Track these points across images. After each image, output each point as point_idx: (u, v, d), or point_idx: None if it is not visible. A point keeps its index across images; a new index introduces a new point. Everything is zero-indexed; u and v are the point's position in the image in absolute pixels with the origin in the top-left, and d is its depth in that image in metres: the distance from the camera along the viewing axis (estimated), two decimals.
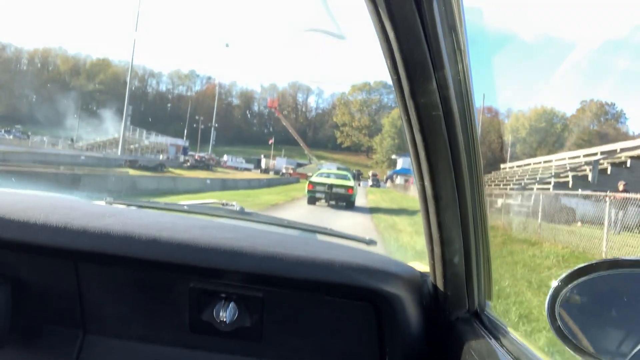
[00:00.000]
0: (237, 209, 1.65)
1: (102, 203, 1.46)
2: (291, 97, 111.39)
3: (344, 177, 16.85)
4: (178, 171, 28.84)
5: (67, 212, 0.97)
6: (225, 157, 56.12)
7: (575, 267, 0.66)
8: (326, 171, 19.69)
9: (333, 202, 15.32)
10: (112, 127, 42.54)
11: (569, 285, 0.66)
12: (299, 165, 52.60)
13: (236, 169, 50.78)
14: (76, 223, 0.92)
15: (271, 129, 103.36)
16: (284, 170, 51.20)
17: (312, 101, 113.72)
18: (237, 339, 1.00)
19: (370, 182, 50.96)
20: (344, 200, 15.38)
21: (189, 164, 36.06)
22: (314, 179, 16.19)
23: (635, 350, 0.60)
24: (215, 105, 58.18)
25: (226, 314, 0.95)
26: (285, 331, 1.01)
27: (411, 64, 0.61)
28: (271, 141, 70.20)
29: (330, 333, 1.00)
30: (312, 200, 15.52)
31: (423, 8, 0.57)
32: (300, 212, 12.63)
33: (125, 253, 0.91)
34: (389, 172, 68.34)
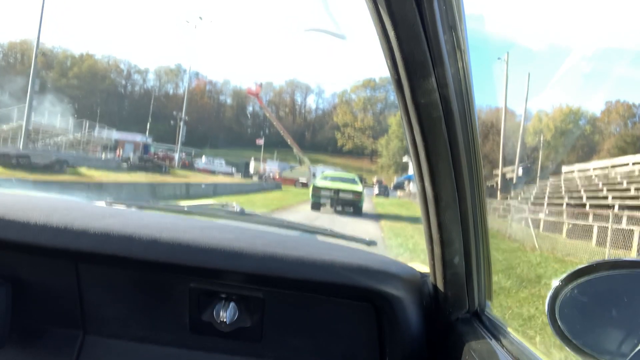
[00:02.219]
0: (237, 209, 1.63)
1: (103, 204, 1.44)
2: (289, 96, 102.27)
3: (352, 181, 15.96)
4: (95, 173, 19.61)
5: (67, 212, 0.97)
6: (204, 159, 47.75)
7: (576, 268, 0.66)
8: (332, 174, 18.49)
9: (339, 208, 14.71)
10: (65, 123, 33.45)
11: (570, 286, 0.66)
12: (293, 169, 43.12)
13: (212, 172, 41.91)
14: (77, 224, 0.92)
15: (267, 131, 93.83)
16: (267, 174, 42.19)
17: (311, 101, 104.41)
18: (237, 340, 1.00)
19: (376, 190, 40.39)
20: (351, 206, 14.73)
21: (128, 163, 26.76)
22: (319, 183, 15.46)
23: (635, 351, 0.60)
24: (185, 95, 48.36)
25: (226, 314, 0.94)
26: (285, 332, 1.00)
27: (411, 63, 0.61)
28: (260, 141, 60.37)
29: (331, 333, 1.00)
30: (317, 206, 14.81)
31: (423, 7, 0.56)
32: None
33: (125, 254, 0.91)
34: (397, 179, 58.02)
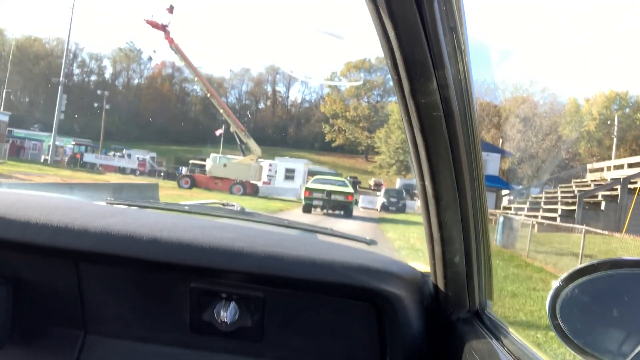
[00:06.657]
0: (238, 209, 1.63)
1: (103, 203, 1.44)
2: (269, 85, 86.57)
3: (342, 184, 16.28)
4: None
5: (67, 212, 0.97)
6: (124, 152, 33.58)
7: (576, 267, 0.66)
8: (322, 177, 18.50)
9: (330, 211, 15.01)
10: None
11: (570, 285, 0.66)
12: (229, 162, 26.90)
13: (118, 169, 30.81)
14: (77, 223, 0.92)
15: (245, 126, 77.36)
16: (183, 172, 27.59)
17: (295, 90, 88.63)
18: (237, 339, 1.00)
19: (381, 200, 23.08)
20: (342, 209, 15.10)
21: None
22: (311, 185, 15.65)
23: (636, 351, 0.60)
24: (67, 46, 33.40)
25: (227, 314, 0.95)
26: (286, 331, 1.01)
27: (411, 63, 0.62)
28: (219, 132, 44.21)
29: (331, 333, 1.00)
30: (308, 208, 15.09)
31: (423, 7, 0.57)
32: None
33: (126, 253, 0.91)
34: (401, 180, 40.97)
